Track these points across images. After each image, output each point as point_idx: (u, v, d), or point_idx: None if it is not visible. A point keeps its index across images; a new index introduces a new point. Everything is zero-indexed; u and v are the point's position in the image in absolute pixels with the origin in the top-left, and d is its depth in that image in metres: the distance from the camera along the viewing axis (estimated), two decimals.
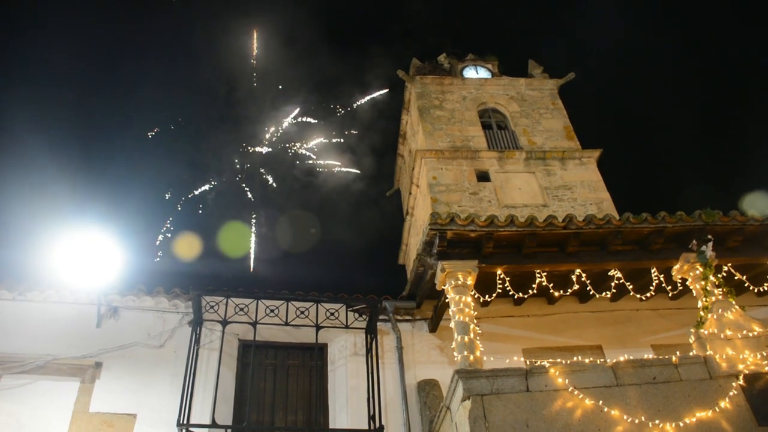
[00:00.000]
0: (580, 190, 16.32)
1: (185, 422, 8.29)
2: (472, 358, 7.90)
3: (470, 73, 20.62)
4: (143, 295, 9.98)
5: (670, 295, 10.06)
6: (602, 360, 9.23)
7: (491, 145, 17.59)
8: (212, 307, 9.39)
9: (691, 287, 9.04)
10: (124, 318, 9.82)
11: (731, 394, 7.45)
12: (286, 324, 9.36)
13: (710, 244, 8.88)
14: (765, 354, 7.81)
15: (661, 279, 9.40)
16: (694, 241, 8.97)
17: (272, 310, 9.43)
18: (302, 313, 9.48)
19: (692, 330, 8.29)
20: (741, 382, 7.56)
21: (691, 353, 8.08)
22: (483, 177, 16.43)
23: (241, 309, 9.37)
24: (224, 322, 9.22)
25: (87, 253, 9.38)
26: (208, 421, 8.59)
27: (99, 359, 9.25)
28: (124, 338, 9.55)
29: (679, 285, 9.48)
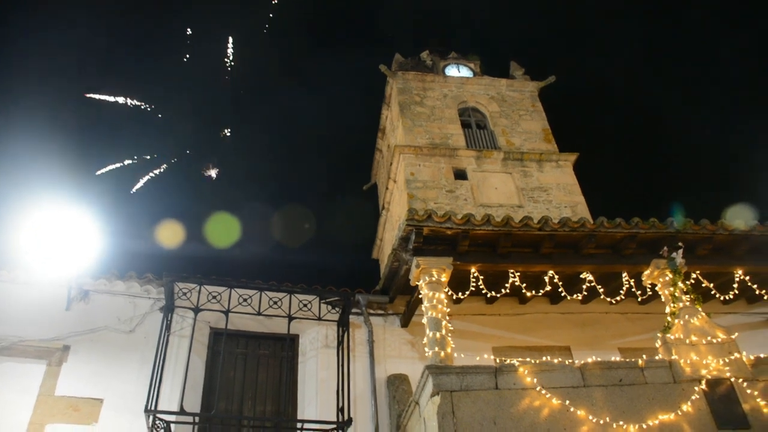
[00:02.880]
0: (555, 192, 16.47)
1: (153, 409, 8.21)
2: (443, 354, 7.97)
3: (452, 71, 20.69)
4: (115, 279, 9.89)
5: (639, 299, 10.24)
6: (570, 361, 9.36)
7: (470, 144, 17.68)
8: (185, 293, 9.32)
9: (660, 293, 9.21)
10: (95, 301, 9.72)
11: (693, 398, 7.62)
12: (259, 314, 9.34)
13: (680, 251, 9.06)
14: (727, 360, 7.99)
15: (632, 284, 9.54)
16: (665, 248, 9.13)
17: (245, 300, 9.40)
18: (275, 303, 9.46)
19: (659, 335, 8.45)
20: (703, 386, 7.73)
21: (657, 357, 8.23)
22: (460, 175, 16.51)
23: (214, 297, 9.31)
24: (196, 310, 9.16)
25: (58, 233, 9.25)
26: (176, 409, 8.51)
27: (67, 342, 9.15)
28: (93, 322, 9.45)
29: (648, 290, 9.65)
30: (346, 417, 8.72)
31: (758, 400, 7.64)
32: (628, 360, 8.23)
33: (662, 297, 9.14)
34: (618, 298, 9.86)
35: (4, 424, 8.22)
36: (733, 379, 7.82)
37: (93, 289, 9.80)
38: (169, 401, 8.66)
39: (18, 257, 9.50)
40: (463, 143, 17.53)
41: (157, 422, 8.30)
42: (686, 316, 8.50)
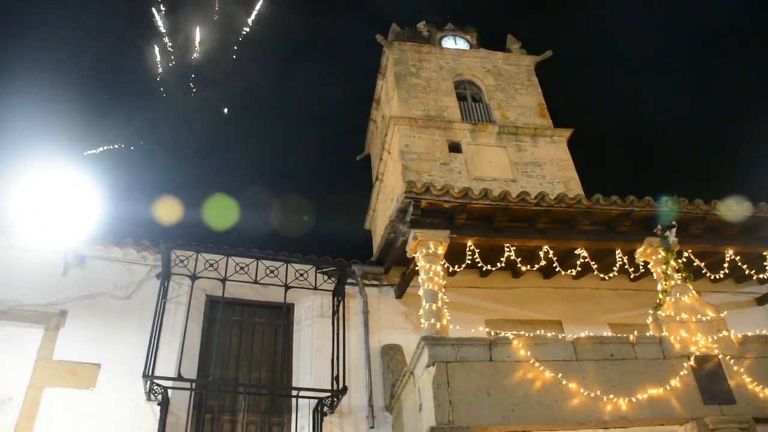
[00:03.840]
0: (549, 167, 16.57)
1: (150, 374, 8.30)
2: (438, 325, 8.09)
3: (449, 43, 20.60)
4: (111, 246, 9.90)
5: (631, 276, 10.40)
6: (562, 335, 9.51)
7: (465, 117, 17.69)
8: (182, 261, 9.36)
9: (652, 270, 9.35)
10: (91, 267, 9.74)
11: (682, 373, 7.81)
12: (255, 282, 9.39)
13: (674, 230, 9.18)
14: (715, 338, 8.18)
15: (625, 260, 9.68)
16: (659, 226, 9.25)
17: (242, 268, 9.44)
18: (272, 272, 9.52)
19: (650, 311, 8.61)
20: (692, 363, 7.91)
21: (647, 333, 8.40)
22: (455, 148, 16.55)
23: (211, 265, 9.34)
24: (193, 277, 9.21)
25: (55, 198, 9.21)
26: (173, 374, 8.61)
27: (64, 307, 9.18)
28: (90, 288, 9.48)
29: (641, 267, 9.80)
30: (341, 385, 8.86)
31: (744, 376, 7.86)
32: (619, 335, 8.40)
33: (654, 275, 9.29)
34: (611, 275, 10.00)
35: (4, 387, 8.28)
36: (720, 356, 8.02)
37: (89, 255, 9.80)
38: (166, 367, 8.75)
39: (14, 222, 9.43)
40: (458, 116, 17.54)
41: (155, 387, 8.41)
42: (677, 294, 8.66)
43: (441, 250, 8.85)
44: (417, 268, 8.95)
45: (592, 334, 8.38)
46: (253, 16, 30.07)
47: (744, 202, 9.52)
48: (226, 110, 32.19)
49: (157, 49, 29.30)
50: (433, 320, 8.15)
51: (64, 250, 9.54)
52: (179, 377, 8.45)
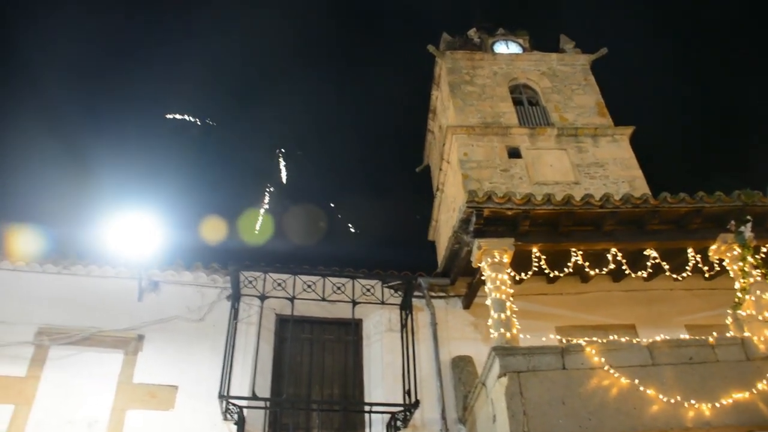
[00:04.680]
0: (612, 167, 16.18)
1: (226, 394, 8.50)
2: (508, 335, 8.00)
3: (501, 48, 20.43)
4: (182, 270, 10.19)
5: (706, 275, 10.02)
6: (636, 339, 9.26)
7: (522, 122, 17.48)
8: (250, 282, 9.56)
9: (728, 268, 9.02)
10: (165, 292, 10.05)
11: None
12: (323, 299, 9.51)
13: (749, 224, 8.84)
14: None
15: (698, 259, 9.37)
16: (733, 222, 8.92)
17: (309, 286, 9.57)
18: (338, 288, 9.62)
19: (729, 311, 8.31)
20: None
21: (728, 334, 8.09)
22: (514, 153, 16.35)
23: (279, 284, 9.51)
24: (262, 297, 9.39)
25: (127, 228, 9.57)
26: (247, 394, 8.80)
27: (141, 332, 9.51)
28: (164, 312, 9.78)
29: (715, 265, 9.46)
30: (413, 399, 8.85)
31: None
32: (697, 338, 8.11)
33: (731, 272, 8.95)
34: (684, 275, 9.69)
35: (90, 410, 8.63)
36: None
37: (162, 280, 10.13)
38: (240, 387, 8.93)
39: (92, 252, 9.94)
40: (515, 121, 17.34)
41: (230, 407, 8.60)
42: (758, 292, 8.32)
43: (506, 259, 8.76)
44: (483, 278, 8.88)
45: (668, 337, 8.13)
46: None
47: None
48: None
49: None
50: (502, 330, 8.06)
51: (138, 277, 9.88)
52: (254, 396, 8.63)
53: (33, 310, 9.40)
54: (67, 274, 9.88)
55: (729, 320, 8.28)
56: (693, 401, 7.24)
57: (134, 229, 9.54)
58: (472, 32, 21.23)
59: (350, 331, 9.95)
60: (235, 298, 9.64)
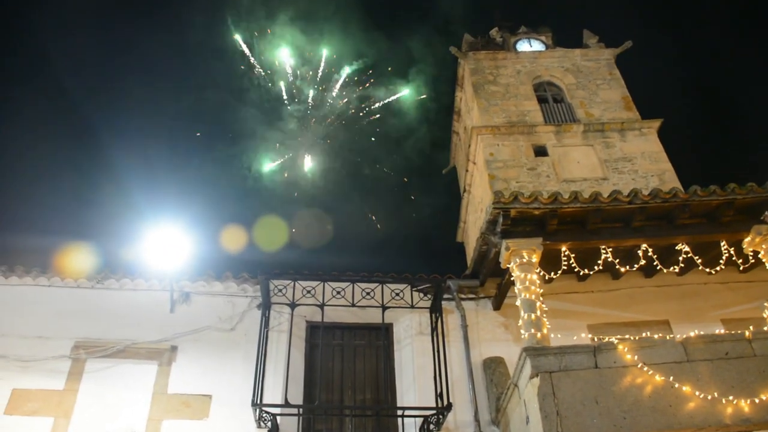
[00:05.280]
0: (640, 161, 15.95)
1: (259, 402, 8.57)
2: (539, 335, 7.93)
3: (523, 46, 20.30)
4: (213, 281, 10.32)
5: (740, 268, 9.85)
6: (671, 335, 9.15)
7: (548, 119, 17.32)
8: (280, 290, 9.63)
9: (763, 260, 8.83)
10: (196, 303, 10.19)
11: None
12: (353, 305, 9.55)
13: None
14: None
15: (731, 252, 9.18)
16: (766, 213, 8.74)
17: (338, 292, 9.62)
18: (368, 294, 9.65)
19: (766, 304, 8.13)
20: None
21: (765, 328, 7.93)
22: (540, 152, 16.21)
23: (308, 291, 9.58)
24: (292, 305, 9.45)
25: (158, 241, 9.72)
26: (280, 401, 8.87)
27: (174, 343, 9.65)
28: (196, 322, 9.91)
29: (750, 258, 9.27)
30: (445, 402, 8.82)
31: None
32: (733, 332, 7.96)
33: (766, 264, 8.76)
34: (717, 268, 9.51)
35: (126, 421, 8.79)
36: None
37: (193, 291, 10.27)
38: (272, 394, 9.01)
39: (124, 266, 10.15)
40: (540, 119, 17.20)
41: (264, 415, 8.66)
42: None
43: (535, 258, 8.71)
44: (512, 279, 8.83)
45: (702, 332, 8.00)
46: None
47: None
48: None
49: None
50: (533, 330, 8.00)
51: (170, 289, 10.02)
52: (286, 404, 8.69)
53: (69, 325, 9.63)
54: (101, 288, 10.08)
55: (766, 313, 8.10)
56: (731, 397, 7.10)
57: (165, 241, 9.69)
58: (494, 32, 21.13)
59: (381, 335, 9.97)
60: (266, 306, 9.71)
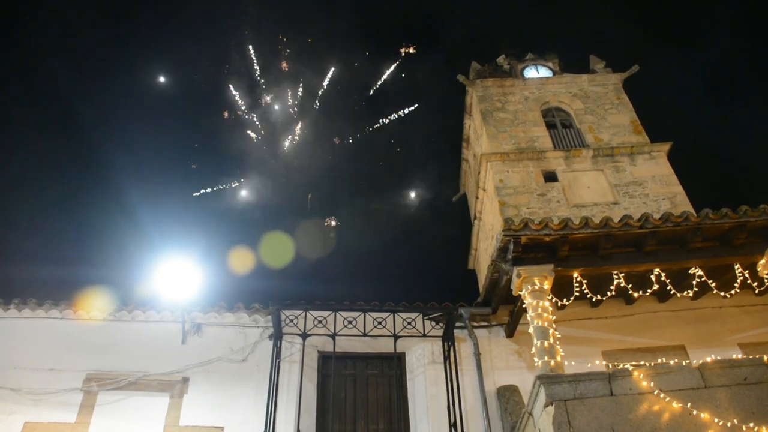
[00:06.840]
0: (651, 185, 15.90)
1: None
2: (552, 363, 7.85)
3: (531, 72, 20.41)
4: (224, 312, 10.33)
5: (756, 291, 9.72)
6: (686, 361, 9.02)
7: (557, 145, 17.35)
8: (291, 320, 9.62)
9: None
10: (208, 334, 10.19)
11: None
12: (364, 335, 9.51)
13: None
14: None
15: (746, 275, 9.08)
16: None
17: (350, 322, 9.60)
18: (379, 323, 9.62)
19: None
20: None
21: None
22: (550, 177, 16.21)
23: (320, 321, 9.57)
24: (304, 335, 9.43)
25: (169, 273, 9.76)
26: None
27: (186, 374, 9.63)
28: (208, 353, 9.90)
29: (765, 280, 9.16)
30: None
31: None
32: (751, 357, 7.85)
33: None
34: (732, 292, 9.41)
35: None
36: None
37: (205, 322, 10.28)
38: (285, 425, 8.98)
39: (136, 299, 10.18)
40: (549, 144, 17.23)
41: None
42: None
43: (547, 285, 8.65)
44: (524, 306, 8.77)
45: (719, 357, 7.87)
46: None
47: None
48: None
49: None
50: (546, 358, 7.92)
51: (182, 320, 10.03)
52: None
53: (81, 357, 9.66)
54: (113, 320, 10.10)
55: None
56: (752, 424, 6.94)
57: (176, 273, 9.73)
58: (501, 59, 21.29)
59: (393, 365, 9.92)
60: (277, 336, 9.69)
